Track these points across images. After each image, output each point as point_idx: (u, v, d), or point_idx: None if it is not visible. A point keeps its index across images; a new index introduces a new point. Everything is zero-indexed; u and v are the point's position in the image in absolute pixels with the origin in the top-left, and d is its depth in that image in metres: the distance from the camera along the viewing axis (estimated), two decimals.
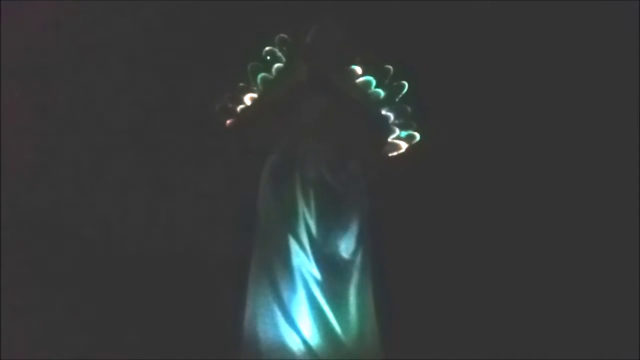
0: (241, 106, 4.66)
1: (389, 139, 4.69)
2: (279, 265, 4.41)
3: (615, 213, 5.10)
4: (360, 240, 4.47)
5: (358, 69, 4.72)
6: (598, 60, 5.11)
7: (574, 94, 5.07)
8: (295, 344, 4.38)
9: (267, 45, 4.68)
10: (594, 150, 5.08)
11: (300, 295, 4.41)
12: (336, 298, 4.40)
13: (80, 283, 5.04)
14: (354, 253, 4.46)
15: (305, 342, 4.38)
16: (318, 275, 4.41)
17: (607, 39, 5.10)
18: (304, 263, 4.41)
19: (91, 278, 5.03)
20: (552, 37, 5.04)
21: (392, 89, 4.70)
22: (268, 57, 4.69)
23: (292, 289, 4.41)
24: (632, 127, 5.08)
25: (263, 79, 4.67)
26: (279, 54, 4.69)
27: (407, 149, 4.69)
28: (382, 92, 4.71)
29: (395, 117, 4.72)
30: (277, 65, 4.68)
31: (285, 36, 4.69)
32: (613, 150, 5.08)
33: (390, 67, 4.71)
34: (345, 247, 4.45)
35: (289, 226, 4.42)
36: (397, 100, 4.71)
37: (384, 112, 4.69)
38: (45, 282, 5.04)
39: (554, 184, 5.04)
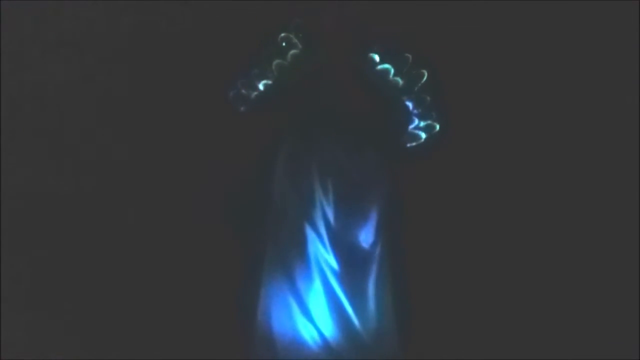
0: (255, 93, 4.53)
1: (408, 129, 4.56)
2: (295, 256, 4.27)
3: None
4: (380, 231, 4.33)
5: (376, 57, 4.58)
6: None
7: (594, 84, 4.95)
8: (311, 338, 4.23)
9: (283, 32, 4.55)
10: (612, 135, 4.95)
11: (317, 287, 4.27)
12: (354, 290, 4.25)
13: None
14: (374, 244, 4.32)
15: (322, 335, 4.23)
16: (335, 266, 4.27)
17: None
18: (321, 253, 4.26)
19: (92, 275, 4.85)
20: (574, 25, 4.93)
21: (411, 78, 4.57)
22: (284, 44, 4.57)
23: (309, 280, 4.26)
24: None
25: (278, 65, 4.54)
26: (295, 40, 4.56)
27: (426, 139, 4.57)
28: (400, 81, 4.58)
29: (414, 107, 4.59)
30: (292, 51, 4.55)
31: (302, 22, 4.57)
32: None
33: (409, 55, 4.58)
34: (365, 237, 4.31)
35: (306, 215, 4.28)
36: (416, 89, 4.57)
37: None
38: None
39: (577, 175, 4.91)
